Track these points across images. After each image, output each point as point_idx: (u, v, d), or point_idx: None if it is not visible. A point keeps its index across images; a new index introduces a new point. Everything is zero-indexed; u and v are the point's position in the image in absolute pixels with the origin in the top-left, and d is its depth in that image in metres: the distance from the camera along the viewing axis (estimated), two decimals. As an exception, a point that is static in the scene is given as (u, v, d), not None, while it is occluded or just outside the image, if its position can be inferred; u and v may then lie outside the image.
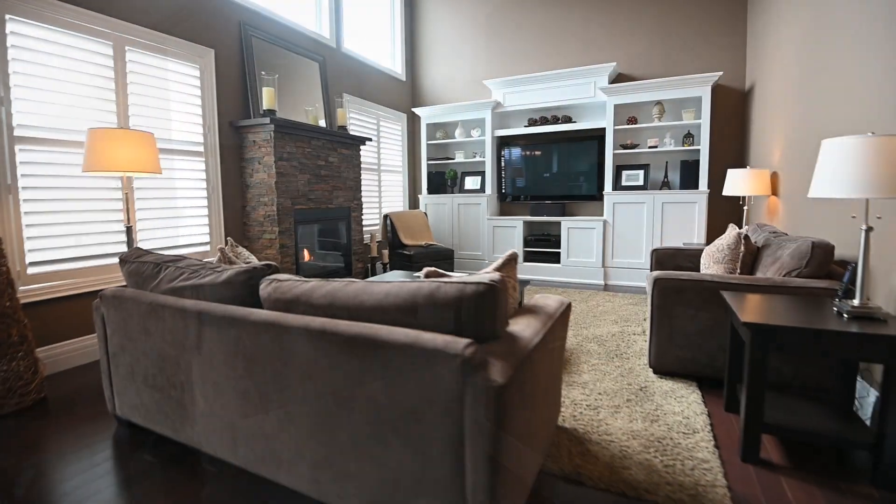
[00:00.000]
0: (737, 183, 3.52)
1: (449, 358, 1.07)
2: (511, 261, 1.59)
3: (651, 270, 3.46)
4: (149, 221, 2.91)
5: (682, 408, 2.03)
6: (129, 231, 2.42)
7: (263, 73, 3.51)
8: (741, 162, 4.52)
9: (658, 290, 2.30)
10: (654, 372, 2.41)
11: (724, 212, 4.63)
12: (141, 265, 1.80)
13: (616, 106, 4.73)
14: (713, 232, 4.68)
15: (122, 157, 2.25)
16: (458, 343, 1.09)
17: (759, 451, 1.68)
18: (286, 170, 3.57)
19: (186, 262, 1.76)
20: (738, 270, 2.58)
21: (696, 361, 2.28)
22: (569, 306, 1.77)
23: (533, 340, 1.31)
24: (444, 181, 5.75)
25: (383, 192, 5.51)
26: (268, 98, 3.45)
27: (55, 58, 2.44)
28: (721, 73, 4.18)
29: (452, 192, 5.70)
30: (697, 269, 3.29)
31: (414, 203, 6.19)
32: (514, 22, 5.33)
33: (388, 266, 4.66)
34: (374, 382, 1.18)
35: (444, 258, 4.89)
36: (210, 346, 1.48)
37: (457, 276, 1.64)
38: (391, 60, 5.66)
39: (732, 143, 4.56)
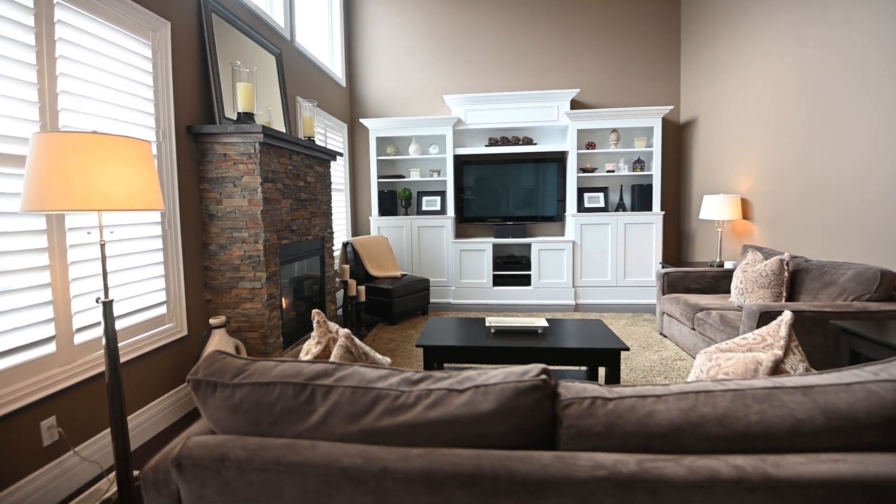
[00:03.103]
0: (713, 208, 3.89)
1: None
2: (792, 326, 1.33)
3: (663, 294, 3.57)
4: (81, 282, 1.78)
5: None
6: (106, 308, 1.40)
7: (239, 62, 2.55)
8: (680, 187, 5.08)
9: (764, 322, 2.30)
10: (754, 404, 2.41)
11: (671, 232, 5.15)
12: (263, 390, 0.99)
13: (578, 131, 4.87)
14: (668, 250, 5.16)
15: (108, 185, 1.29)
16: None
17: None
18: (271, 194, 2.66)
19: (360, 375, 1.03)
20: (785, 295, 2.77)
21: (794, 389, 2.34)
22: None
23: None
24: (395, 201, 5.16)
25: (333, 214, 4.67)
26: (245, 97, 2.52)
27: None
28: (672, 107, 4.63)
29: (407, 214, 5.15)
30: (706, 290, 3.51)
31: (356, 227, 5.43)
32: (470, 39, 5.11)
33: (364, 306, 3.90)
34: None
35: (421, 290, 4.34)
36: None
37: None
38: (330, 63, 4.87)
39: (672, 170, 5.10)
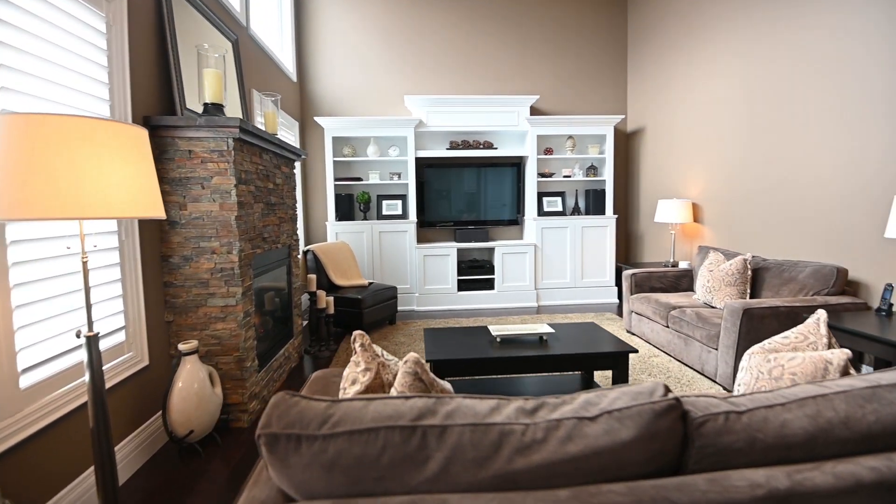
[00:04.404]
0: (668, 211, 4.17)
1: None
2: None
3: (632, 293, 3.73)
4: (26, 310, 1.40)
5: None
6: (90, 345, 1.10)
7: (207, 45, 2.21)
8: (628, 192, 5.40)
9: (746, 318, 2.47)
10: (736, 395, 2.57)
11: (621, 235, 5.45)
12: (364, 438, 0.81)
13: (537, 136, 4.97)
14: (618, 252, 5.44)
15: (108, 185, 1.00)
16: None
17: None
18: (245, 197, 2.34)
19: (469, 409, 0.88)
20: (749, 291, 3.02)
21: (770, 378, 2.54)
22: None
23: None
24: (353, 206, 4.89)
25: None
26: (213, 86, 2.19)
27: None
28: (623, 116, 4.90)
29: (366, 218, 4.91)
30: (668, 288, 3.73)
31: (309, 233, 5.06)
32: (430, 40, 5.00)
33: (332, 318, 3.60)
34: None
35: (389, 298, 4.14)
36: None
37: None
38: (280, 55, 4.49)
39: (620, 176, 5.41)
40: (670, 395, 0.92)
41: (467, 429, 0.86)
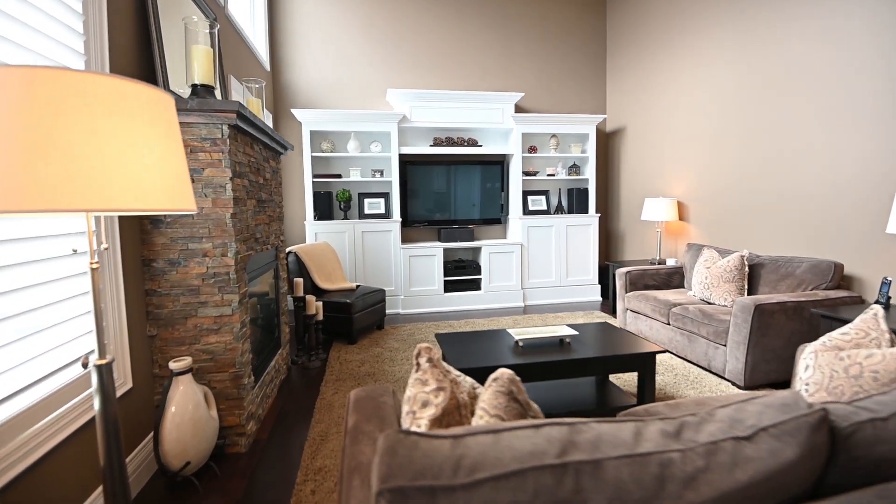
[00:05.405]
0: (654, 210, 4.23)
1: None
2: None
3: (626, 291, 3.73)
4: (-12, 326, 1.11)
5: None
6: (102, 374, 0.86)
7: (196, 18, 1.92)
8: (608, 191, 5.47)
9: (758, 314, 2.49)
10: (747, 389, 2.60)
11: (602, 233, 5.51)
12: (512, 485, 0.64)
13: (522, 134, 4.91)
14: (600, 250, 5.48)
15: (142, 169, 0.77)
16: None
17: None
18: (240, 193, 2.07)
19: (612, 437, 0.74)
20: (746, 287, 3.08)
21: (778, 371, 2.58)
22: None
23: None
24: (332, 204, 4.61)
25: (264, 219, 3.96)
26: (203, 65, 1.91)
27: None
28: (605, 116, 4.94)
29: (347, 217, 4.65)
30: (661, 286, 3.76)
31: (285, 233, 4.72)
32: (414, 32, 4.81)
33: (320, 325, 3.33)
34: None
35: (378, 302, 3.91)
36: None
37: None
38: (253, 40, 4.14)
39: (601, 175, 5.46)
40: (817, 406, 0.84)
41: (623, 462, 0.72)
